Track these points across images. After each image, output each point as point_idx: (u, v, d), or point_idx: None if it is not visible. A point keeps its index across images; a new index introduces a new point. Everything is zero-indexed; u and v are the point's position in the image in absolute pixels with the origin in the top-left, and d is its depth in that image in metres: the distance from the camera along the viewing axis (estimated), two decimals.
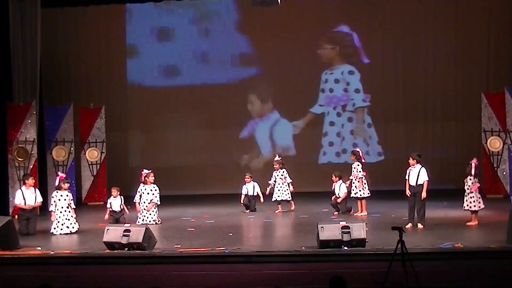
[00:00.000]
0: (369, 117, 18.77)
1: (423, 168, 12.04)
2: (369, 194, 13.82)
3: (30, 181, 12.65)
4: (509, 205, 12.42)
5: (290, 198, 14.65)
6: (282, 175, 14.66)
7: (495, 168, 16.24)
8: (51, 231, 12.32)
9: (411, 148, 16.54)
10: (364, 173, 13.83)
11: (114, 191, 13.55)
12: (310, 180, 17.53)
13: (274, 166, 14.79)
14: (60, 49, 18.44)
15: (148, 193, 13.29)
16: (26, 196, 12.48)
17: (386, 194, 15.77)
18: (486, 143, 16.34)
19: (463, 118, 18.30)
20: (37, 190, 12.81)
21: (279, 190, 14.61)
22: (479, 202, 12.06)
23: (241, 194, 14.92)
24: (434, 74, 18.49)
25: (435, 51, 18.36)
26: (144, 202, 13.27)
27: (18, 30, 15.18)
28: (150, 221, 13.04)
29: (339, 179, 14.15)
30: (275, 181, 14.68)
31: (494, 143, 16.22)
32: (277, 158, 14.97)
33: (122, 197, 13.55)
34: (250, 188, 14.90)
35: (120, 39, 18.90)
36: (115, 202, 13.47)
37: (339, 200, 13.94)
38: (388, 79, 18.61)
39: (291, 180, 14.67)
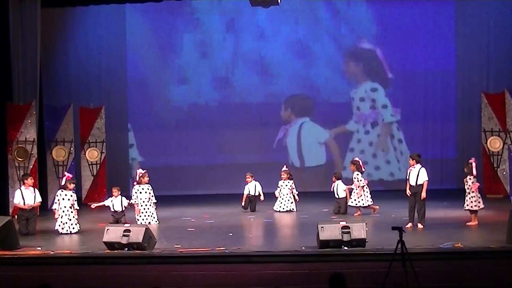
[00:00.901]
0: (400, 132, 18.65)
1: (423, 168, 12.05)
2: (369, 204, 13.69)
3: (29, 181, 12.62)
4: (509, 205, 12.44)
5: (295, 210, 14.57)
6: (291, 186, 14.62)
7: (495, 168, 16.25)
8: (55, 228, 12.33)
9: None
10: (366, 182, 13.80)
11: (115, 191, 13.52)
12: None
13: (282, 176, 14.70)
14: (60, 49, 18.41)
15: (146, 192, 13.32)
16: (25, 196, 12.46)
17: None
18: (486, 143, 16.35)
19: (463, 118, 18.30)
20: (36, 190, 12.79)
21: (283, 199, 14.54)
22: (479, 202, 12.06)
23: (243, 194, 14.89)
24: (434, 74, 18.48)
25: (435, 51, 18.35)
26: (143, 202, 13.30)
27: (18, 30, 15.16)
28: (149, 222, 13.08)
29: (337, 180, 14.14)
30: (280, 191, 14.65)
31: (494, 143, 16.23)
32: (284, 168, 14.83)
33: (123, 196, 13.55)
34: (252, 187, 14.88)
35: (120, 38, 18.88)
36: (116, 202, 13.45)
37: (348, 202, 13.86)
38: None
39: (297, 192, 14.69)
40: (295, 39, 18.72)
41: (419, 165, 12.09)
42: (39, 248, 10.71)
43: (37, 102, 15.32)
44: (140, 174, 13.43)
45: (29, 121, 15.13)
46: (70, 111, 16.66)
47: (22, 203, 12.41)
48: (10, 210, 14.35)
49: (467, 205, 12.07)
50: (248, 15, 18.24)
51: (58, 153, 16.32)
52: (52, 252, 10.44)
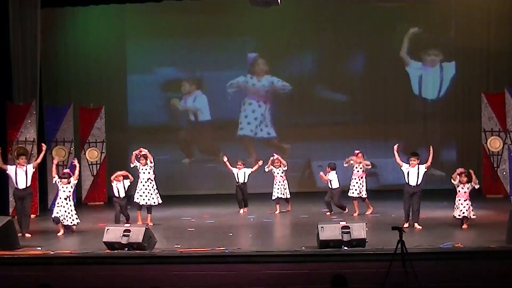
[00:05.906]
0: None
1: (422, 166, 12.11)
2: (364, 196, 13.75)
3: (20, 160, 12.54)
4: (509, 205, 12.44)
5: (289, 196, 14.58)
6: (283, 173, 14.55)
7: (495, 168, 16.25)
8: (53, 216, 12.29)
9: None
10: (364, 174, 13.82)
11: (119, 176, 13.14)
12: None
13: (275, 164, 14.63)
14: (60, 49, 18.40)
15: (144, 173, 13.24)
16: (18, 174, 12.37)
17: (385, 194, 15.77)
18: (486, 143, 16.36)
19: (463, 118, 18.30)
20: (29, 171, 12.50)
21: (279, 188, 14.47)
22: (472, 210, 12.00)
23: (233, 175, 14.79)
24: (434, 74, 18.47)
25: (436, 51, 18.35)
26: (141, 182, 13.21)
27: (18, 30, 15.16)
28: (152, 203, 13.12)
29: (332, 170, 14.01)
30: (269, 170, 14.55)
31: (494, 143, 16.24)
32: (276, 156, 14.71)
33: (125, 181, 13.20)
34: (241, 175, 14.71)
35: (120, 38, 18.88)
36: (120, 186, 13.07)
37: (335, 197, 13.91)
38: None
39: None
40: None
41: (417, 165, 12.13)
42: (39, 248, 10.72)
43: (37, 102, 15.33)
44: (141, 154, 13.29)
45: (29, 121, 15.13)
46: (70, 111, 16.66)
47: (14, 180, 12.40)
48: (10, 210, 14.34)
49: (464, 212, 11.94)
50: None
51: (58, 153, 16.31)
52: (52, 252, 10.46)
